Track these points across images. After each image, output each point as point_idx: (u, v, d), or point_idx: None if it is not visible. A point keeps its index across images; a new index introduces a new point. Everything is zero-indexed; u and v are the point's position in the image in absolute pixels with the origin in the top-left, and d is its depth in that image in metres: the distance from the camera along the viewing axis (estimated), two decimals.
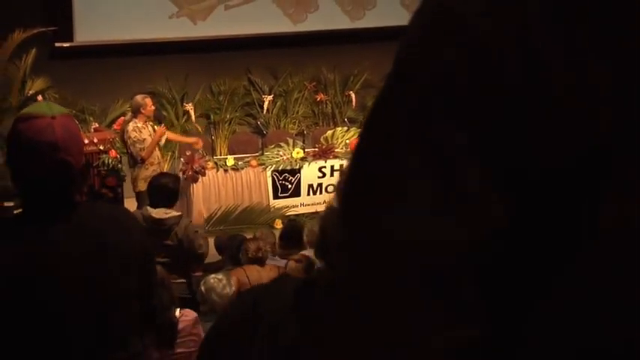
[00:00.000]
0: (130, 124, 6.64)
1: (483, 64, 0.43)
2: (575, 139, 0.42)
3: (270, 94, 8.85)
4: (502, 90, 0.43)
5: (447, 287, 0.43)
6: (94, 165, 6.38)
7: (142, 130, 6.63)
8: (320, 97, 8.98)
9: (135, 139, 6.56)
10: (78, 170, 1.66)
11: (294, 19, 9.26)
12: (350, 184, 0.48)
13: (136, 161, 6.62)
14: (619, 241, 0.41)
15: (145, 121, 6.71)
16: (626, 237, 0.41)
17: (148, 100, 6.80)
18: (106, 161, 6.47)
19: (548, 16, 0.43)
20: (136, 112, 6.70)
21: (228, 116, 8.70)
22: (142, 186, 6.31)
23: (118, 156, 6.60)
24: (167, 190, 4.87)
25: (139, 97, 6.78)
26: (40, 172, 1.62)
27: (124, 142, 6.70)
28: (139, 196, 6.54)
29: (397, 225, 0.44)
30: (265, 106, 8.81)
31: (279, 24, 9.02)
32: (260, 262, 4.50)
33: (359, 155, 0.48)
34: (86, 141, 5.78)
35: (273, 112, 8.89)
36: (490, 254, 0.43)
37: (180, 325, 3.04)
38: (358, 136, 0.51)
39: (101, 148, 6.54)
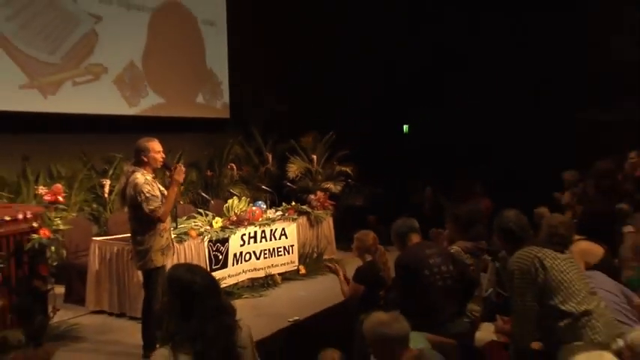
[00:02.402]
0: (138, 175, 5.11)
1: None
2: None
3: (108, 178, 8.77)
4: None
5: None
6: (26, 249, 5.21)
7: (153, 185, 5.16)
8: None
9: (149, 195, 5.06)
10: None
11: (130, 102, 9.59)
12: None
13: (146, 227, 5.13)
14: None
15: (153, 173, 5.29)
16: None
17: (156, 145, 5.25)
18: (37, 243, 5.28)
19: None
20: (141, 162, 5.19)
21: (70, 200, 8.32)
22: (160, 260, 5.17)
23: (51, 235, 5.45)
24: None
25: (144, 141, 5.24)
26: None
27: (124, 198, 5.19)
28: (153, 276, 5.15)
29: None
30: (106, 189, 8.68)
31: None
32: None
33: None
34: (19, 216, 5.16)
35: (113, 195, 8.71)
36: None
37: None
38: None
39: (34, 225, 5.32)
